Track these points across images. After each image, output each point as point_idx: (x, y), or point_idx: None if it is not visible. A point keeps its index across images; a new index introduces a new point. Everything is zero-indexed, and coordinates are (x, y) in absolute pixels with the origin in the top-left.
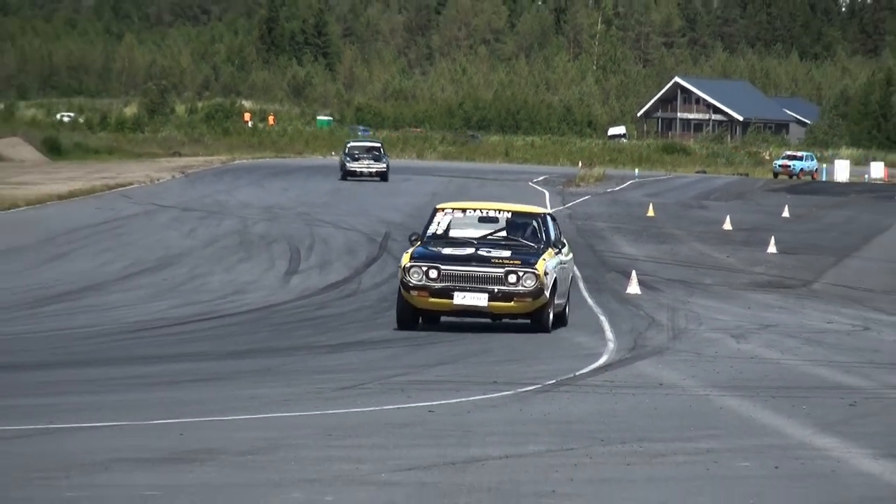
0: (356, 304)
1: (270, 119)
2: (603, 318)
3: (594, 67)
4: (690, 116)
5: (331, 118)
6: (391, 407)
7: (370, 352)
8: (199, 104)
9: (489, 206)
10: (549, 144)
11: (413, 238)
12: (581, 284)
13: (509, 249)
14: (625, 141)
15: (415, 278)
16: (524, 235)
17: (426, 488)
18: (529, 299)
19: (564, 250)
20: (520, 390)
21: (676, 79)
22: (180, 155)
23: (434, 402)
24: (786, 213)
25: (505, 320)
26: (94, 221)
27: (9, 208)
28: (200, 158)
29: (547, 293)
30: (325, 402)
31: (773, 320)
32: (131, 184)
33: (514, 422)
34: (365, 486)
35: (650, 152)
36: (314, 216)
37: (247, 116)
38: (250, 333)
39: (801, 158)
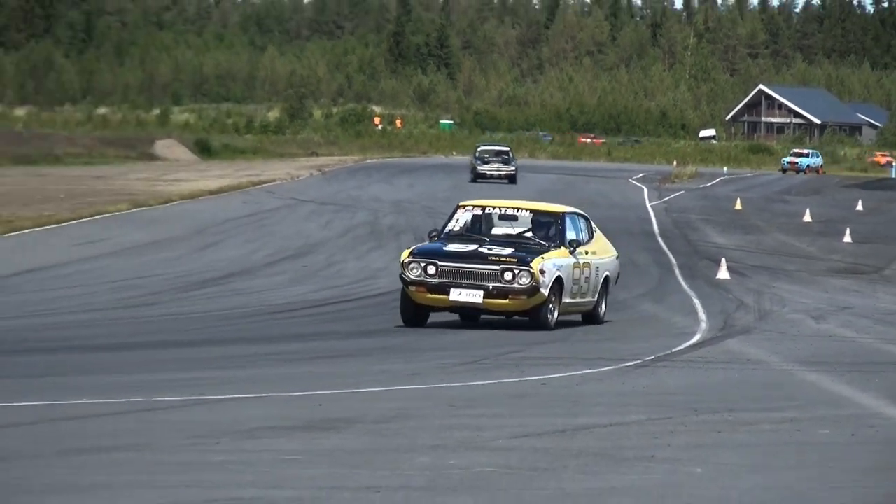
0: None
1: (398, 122)
2: (696, 301)
3: (687, 76)
4: (773, 120)
5: (452, 121)
6: (507, 380)
7: (487, 331)
8: (334, 109)
9: (509, 205)
10: (646, 145)
11: (432, 234)
12: (676, 271)
13: (512, 247)
14: (714, 142)
15: (413, 274)
16: (547, 234)
17: (538, 453)
18: (524, 297)
19: (583, 249)
20: (622, 365)
21: (761, 86)
22: (317, 155)
23: (546, 376)
24: (859, 207)
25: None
26: (240, 214)
27: (165, 203)
28: (335, 158)
29: (544, 291)
30: (448, 375)
31: (848, 303)
32: (274, 180)
33: (617, 394)
34: (484, 451)
35: (737, 152)
36: (437, 209)
37: (376, 120)
38: (381, 315)
39: (807, 155)
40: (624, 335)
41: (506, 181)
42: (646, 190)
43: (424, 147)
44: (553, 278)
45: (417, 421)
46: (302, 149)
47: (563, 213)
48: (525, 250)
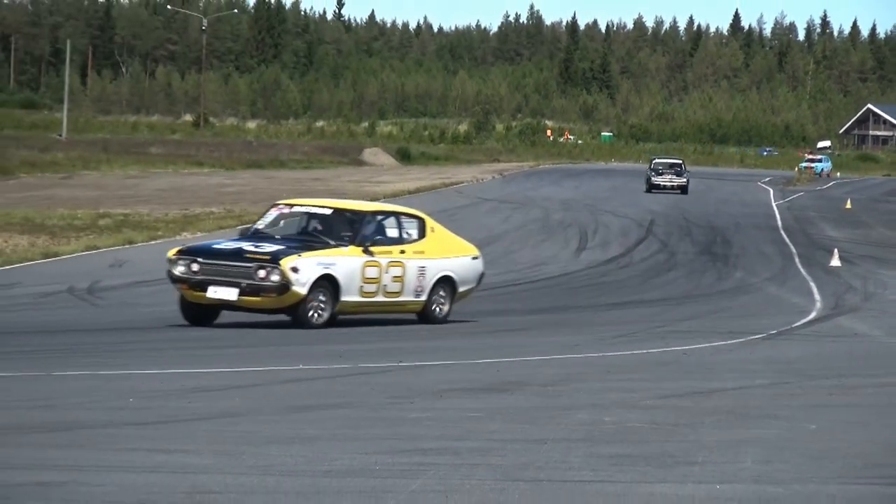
0: (629, 273)
1: (566, 134)
2: (812, 285)
3: (807, 97)
4: (879, 133)
5: (611, 133)
6: (655, 350)
7: (639, 309)
8: (513, 123)
9: (316, 203)
10: (773, 154)
11: (245, 230)
12: (796, 259)
13: (283, 244)
14: (829, 152)
15: (178, 271)
16: (340, 233)
17: (680, 410)
18: (275, 294)
19: (400, 248)
20: (749, 338)
21: (869, 105)
22: (499, 161)
23: (686, 347)
24: None
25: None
26: (434, 210)
27: (371, 201)
28: (514, 164)
29: (299, 289)
30: (605, 346)
31: None
32: (462, 182)
33: (745, 361)
34: (634, 409)
35: (848, 160)
36: (598, 207)
37: (548, 132)
38: (550, 295)
39: (820, 161)
40: (751, 313)
41: (678, 191)
42: (771, 191)
43: (588, 155)
44: (316, 276)
45: (578, 384)
46: (486, 156)
47: (366, 211)
48: (289, 248)
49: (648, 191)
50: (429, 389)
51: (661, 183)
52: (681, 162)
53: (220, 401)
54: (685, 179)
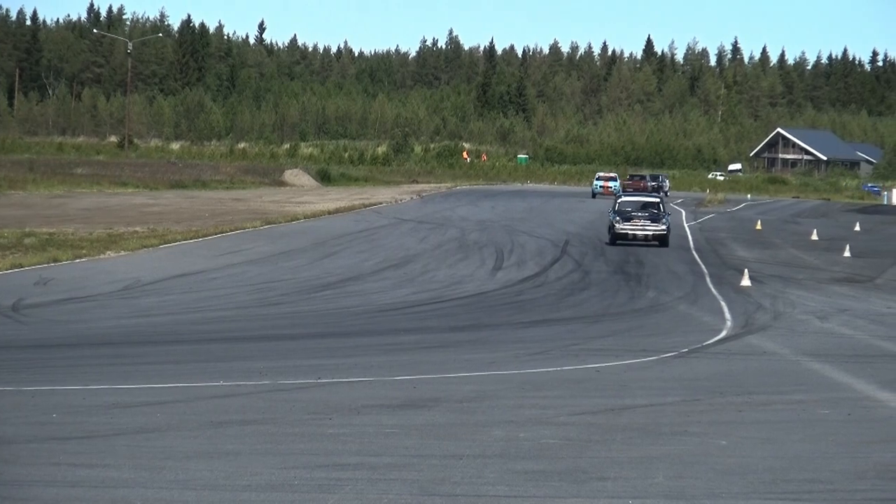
0: (544, 292)
1: (483, 157)
2: (723, 304)
3: (718, 120)
4: (788, 156)
5: (527, 156)
6: (568, 367)
7: (554, 327)
8: (432, 145)
9: None
10: (685, 177)
11: None
12: (707, 279)
13: None
14: (740, 174)
15: None
16: None
17: (593, 427)
18: None
19: None
20: (662, 356)
21: (778, 129)
22: (417, 182)
23: (600, 364)
24: (857, 228)
25: None
26: (353, 230)
27: (292, 220)
28: (432, 185)
29: None
30: (521, 363)
31: (847, 306)
32: (381, 203)
33: (657, 379)
34: (549, 425)
35: (759, 182)
36: (514, 227)
37: (465, 154)
38: (467, 313)
39: (614, 179)
40: (663, 331)
41: (656, 244)
42: (684, 212)
43: (504, 177)
44: None
45: (493, 401)
46: (404, 177)
47: None
48: None
49: (612, 242)
50: (347, 406)
51: (632, 233)
52: (658, 200)
53: (141, 416)
54: (664, 226)
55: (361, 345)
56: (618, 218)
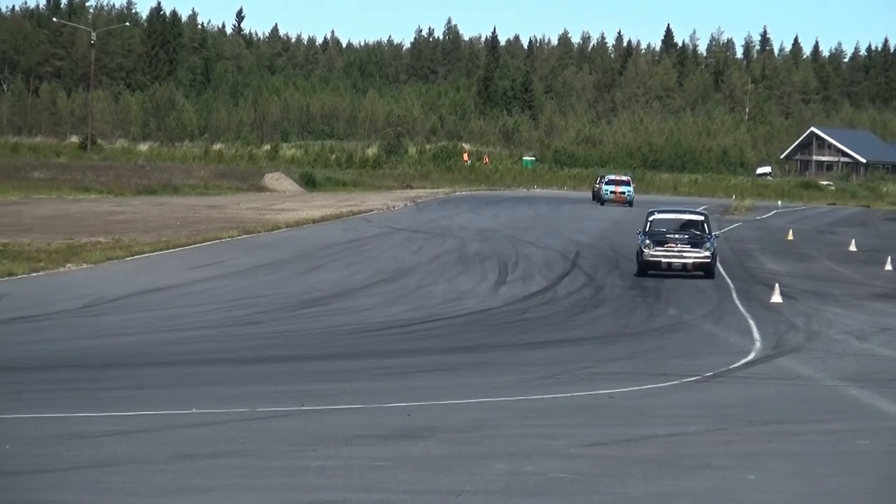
0: (552, 309)
1: (485, 159)
2: (751, 322)
3: (745, 119)
4: (823, 159)
5: (534, 158)
6: (579, 393)
7: (564, 348)
8: (428, 146)
9: None
10: (708, 181)
11: None
12: (733, 294)
13: None
14: (770, 178)
15: None
16: None
17: (606, 460)
18: None
19: None
20: (683, 381)
21: (812, 128)
22: (411, 187)
23: (614, 390)
24: None
25: None
26: (341, 240)
27: (272, 230)
28: (427, 190)
29: None
30: (526, 389)
31: (888, 324)
32: (372, 210)
33: (677, 406)
34: (557, 458)
35: (790, 188)
36: (518, 237)
37: (465, 156)
38: (466, 333)
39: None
40: (685, 353)
41: (701, 274)
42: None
43: (508, 181)
44: None
45: (496, 430)
46: (397, 182)
47: None
48: None
49: (642, 272)
50: (333, 436)
51: (666, 260)
52: (702, 218)
53: (102, 448)
54: (708, 252)
55: (350, 368)
56: (647, 241)
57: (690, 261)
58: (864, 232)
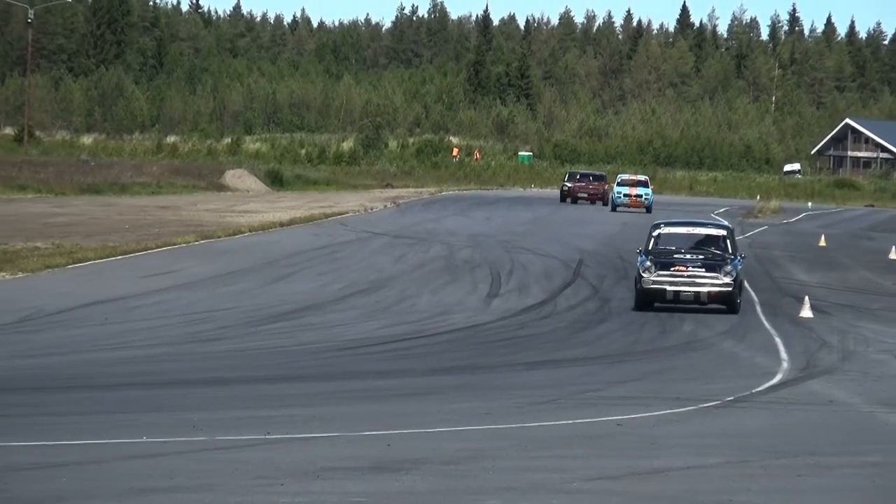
0: (552, 325)
1: (475, 154)
2: (778, 340)
3: (772, 109)
4: (860, 154)
5: (531, 153)
6: (583, 421)
7: (565, 369)
8: (411, 140)
9: None
10: (729, 179)
11: None
12: (758, 308)
13: None
14: (799, 176)
15: None
16: None
17: (613, 497)
18: None
19: None
20: (701, 406)
21: (847, 120)
22: (392, 186)
23: (622, 417)
24: None
25: None
26: (312, 247)
27: (234, 234)
28: (411, 190)
29: None
30: (523, 415)
31: None
32: (347, 212)
33: (695, 435)
34: (557, 494)
35: (822, 187)
36: (514, 243)
37: (454, 151)
38: (455, 351)
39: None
40: (703, 374)
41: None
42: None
43: (502, 179)
44: None
45: (488, 462)
46: (376, 180)
47: None
48: None
49: (642, 306)
50: (303, 468)
51: (672, 289)
52: (724, 233)
53: (39, 482)
54: (730, 279)
55: (322, 391)
56: (648, 262)
57: (706, 290)
58: None
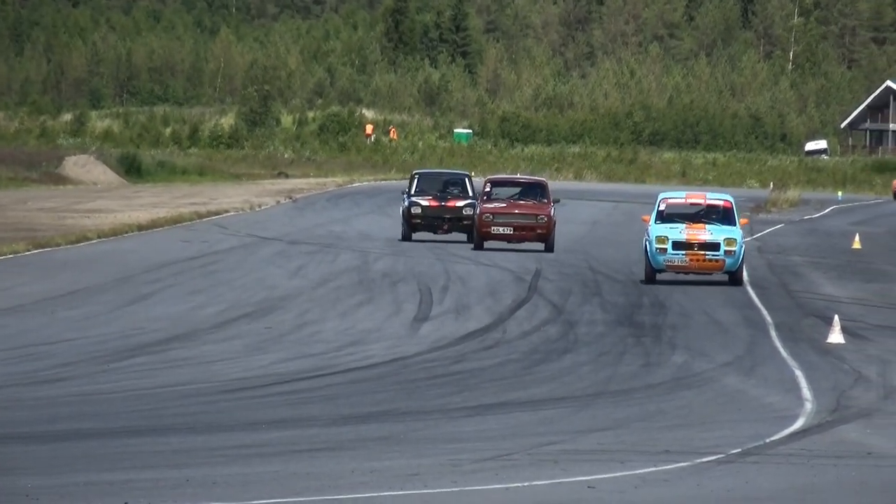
0: (500, 357)
1: (392, 132)
2: (799, 373)
3: (789, 69)
4: None
5: (470, 131)
6: (542, 482)
7: (517, 415)
8: (310, 114)
9: None
10: (733, 162)
11: None
12: (772, 332)
13: None
14: (826, 158)
15: None
16: None
17: None
18: None
19: None
20: (697, 461)
21: (889, 83)
22: (287, 176)
23: (594, 477)
24: None
25: None
26: (181, 257)
27: (77, 241)
28: (311, 180)
29: None
30: (463, 476)
31: None
32: (227, 211)
33: (690, 499)
34: None
35: (856, 171)
36: (449, 250)
37: (368, 129)
38: (373, 393)
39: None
40: (701, 419)
41: None
42: None
43: (432, 166)
44: None
45: None
46: (265, 168)
47: None
48: None
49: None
50: None
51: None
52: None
53: None
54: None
55: (196, 447)
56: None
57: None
58: None
